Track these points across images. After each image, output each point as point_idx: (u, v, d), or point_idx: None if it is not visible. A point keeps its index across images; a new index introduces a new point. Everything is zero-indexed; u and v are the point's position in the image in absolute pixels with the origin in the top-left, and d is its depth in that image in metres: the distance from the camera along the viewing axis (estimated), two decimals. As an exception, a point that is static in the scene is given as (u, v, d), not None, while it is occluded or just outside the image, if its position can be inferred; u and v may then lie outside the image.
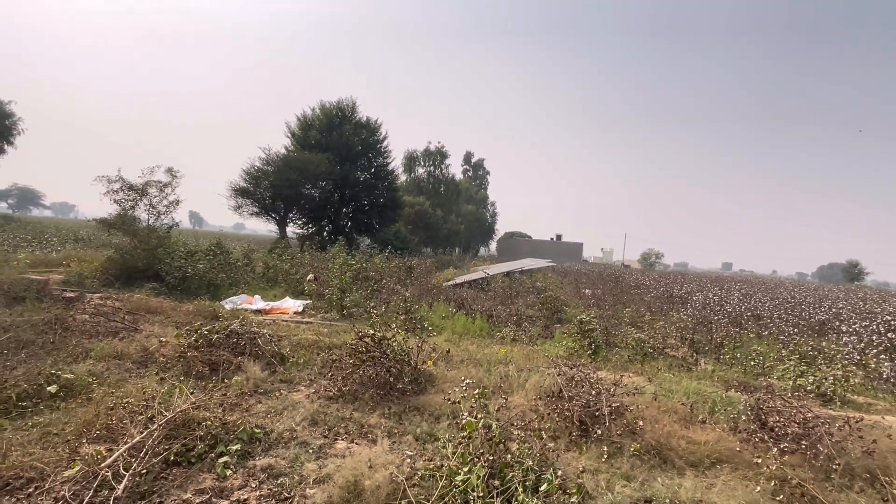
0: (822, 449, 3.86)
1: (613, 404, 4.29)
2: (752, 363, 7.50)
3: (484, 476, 2.91)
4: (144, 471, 3.03)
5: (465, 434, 3.27)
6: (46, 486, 2.85)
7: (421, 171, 53.08)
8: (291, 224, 32.23)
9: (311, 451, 3.60)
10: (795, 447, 3.94)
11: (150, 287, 10.04)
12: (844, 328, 10.48)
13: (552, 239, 71.27)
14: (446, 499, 2.90)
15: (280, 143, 59.68)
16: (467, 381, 4.17)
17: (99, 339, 6.00)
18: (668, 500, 3.20)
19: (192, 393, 4.19)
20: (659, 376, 6.48)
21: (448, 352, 6.54)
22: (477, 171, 66.86)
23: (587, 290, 17.71)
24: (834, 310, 14.00)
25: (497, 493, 2.83)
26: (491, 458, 3.07)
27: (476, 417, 3.35)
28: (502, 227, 71.65)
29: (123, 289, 9.90)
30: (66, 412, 3.85)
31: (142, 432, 3.33)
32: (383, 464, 3.28)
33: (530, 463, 3.05)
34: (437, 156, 53.12)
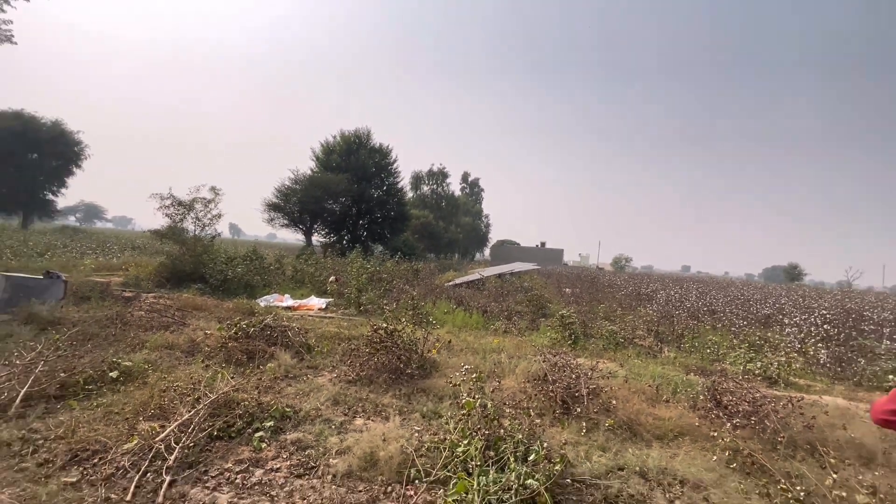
0: (768, 424, 3.85)
1: (591, 386, 4.28)
2: (708, 351, 7.48)
3: (481, 448, 2.90)
4: (192, 444, 3.03)
5: (464, 412, 3.26)
6: (109, 457, 2.85)
7: (426, 188, 53.27)
8: (316, 234, 32.26)
9: (333, 426, 3.59)
10: (746, 422, 3.92)
11: (196, 288, 10.04)
12: (787, 321, 10.44)
13: (537, 246, 71.18)
14: (449, 467, 2.89)
15: (306, 165, 59.85)
16: (466, 366, 4.17)
17: (153, 332, 5.99)
18: (637, 468, 3.18)
19: (232, 378, 4.19)
20: (629, 362, 6.46)
21: (449, 342, 6.53)
22: (473, 188, 66.97)
23: (567, 289, 17.66)
24: (777, 305, 13.95)
25: (492, 462, 2.82)
26: (487, 432, 3.06)
27: (474, 398, 3.34)
28: (495, 236, 71.67)
29: (173, 289, 9.91)
30: (125, 394, 3.84)
31: (189, 411, 3.33)
32: (395, 437, 3.27)
33: (520, 436, 3.03)
34: (439, 176, 53.34)
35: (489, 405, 3.30)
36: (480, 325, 8.67)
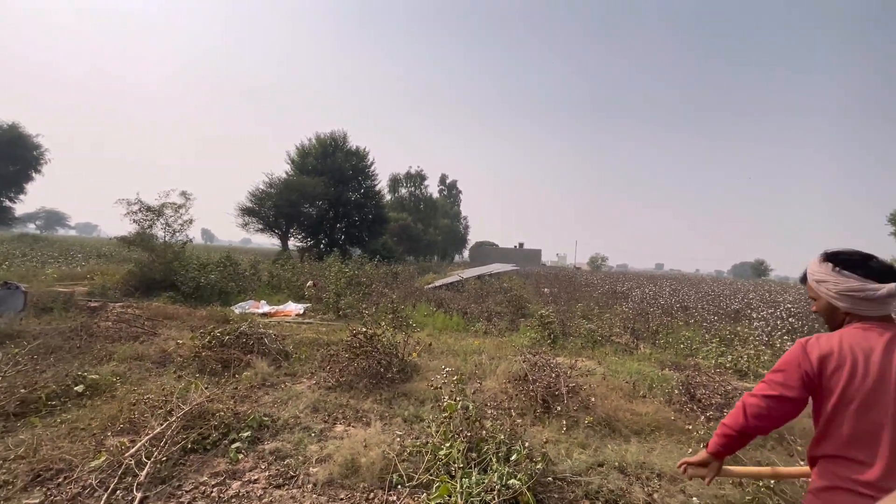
0: (740, 415, 3.98)
1: (570, 385, 4.33)
2: (682, 346, 7.69)
3: (463, 450, 2.90)
4: (164, 458, 2.92)
5: (446, 415, 3.25)
6: (75, 476, 2.72)
7: (404, 191, 53.16)
8: (292, 238, 31.77)
9: (313, 434, 3.52)
10: (719, 415, 4.05)
11: (167, 296, 9.70)
12: (755, 315, 10.86)
13: (516, 246, 71.87)
14: (431, 471, 2.88)
15: (281, 168, 58.77)
16: (447, 369, 4.16)
17: (121, 343, 5.76)
18: (617, 463, 3.24)
19: (206, 388, 4.06)
20: (607, 360, 6.58)
21: (430, 345, 6.51)
22: (451, 190, 67.19)
23: (546, 289, 17.88)
24: (745, 300, 14.49)
25: (475, 464, 2.82)
26: (469, 434, 3.06)
27: (455, 400, 3.33)
28: (473, 237, 72.06)
29: (142, 298, 9.56)
30: (92, 409, 3.68)
31: (161, 424, 3.20)
32: (377, 443, 3.24)
33: (502, 437, 3.04)
34: (416, 178, 53.31)
35: (471, 407, 3.29)
36: (461, 327, 8.68)
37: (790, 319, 9.73)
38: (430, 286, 15.47)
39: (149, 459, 2.82)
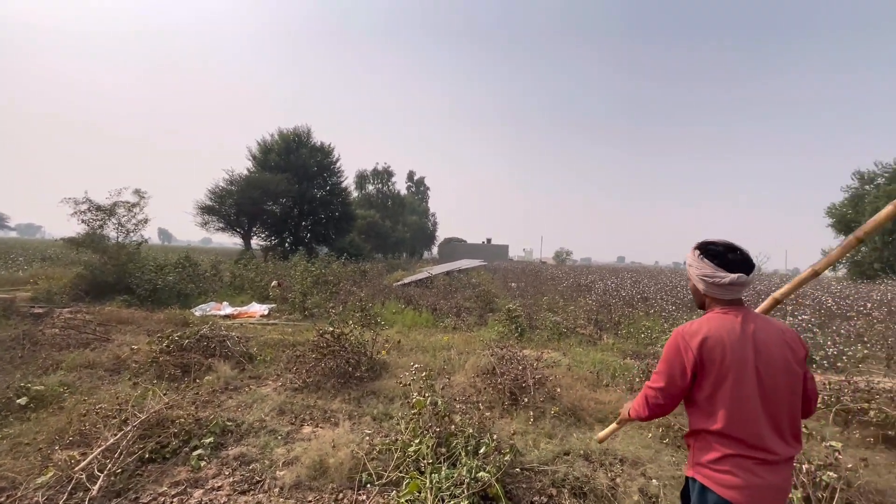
0: (695, 399, 4.18)
1: (537, 376, 4.42)
2: (643, 336, 7.98)
3: (433, 445, 2.91)
4: (119, 470, 2.78)
5: (415, 411, 3.25)
6: (19, 494, 2.54)
7: (371, 188, 52.48)
8: (255, 237, 30.75)
9: (279, 437, 3.44)
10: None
11: (122, 300, 9.18)
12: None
13: (484, 242, 72.52)
14: (401, 468, 2.87)
15: (242, 165, 56.74)
16: (416, 365, 4.15)
17: (70, 351, 5.42)
18: (582, 451, 3.34)
19: (165, 394, 3.88)
20: (572, 351, 6.75)
21: (399, 342, 6.48)
22: (419, 186, 66.90)
23: (513, 284, 18.15)
24: (700, 290, 15.17)
25: (444, 459, 2.84)
26: (438, 429, 3.07)
27: (424, 396, 3.34)
28: (442, 234, 72.03)
29: (94, 302, 9.01)
30: (37, 422, 3.44)
31: (116, 434, 3.03)
32: (345, 443, 3.20)
33: (471, 431, 3.07)
34: (384, 175, 52.75)
35: (439, 402, 3.31)
36: (430, 324, 8.68)
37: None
38: (398, 283, 15.40)
39: (102, 472, 2.67)
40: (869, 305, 9.98)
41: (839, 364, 6.11)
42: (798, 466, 2.70)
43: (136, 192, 11.09)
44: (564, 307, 10.64)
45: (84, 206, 10.26)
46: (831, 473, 2.63)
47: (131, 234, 10.98)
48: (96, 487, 2.54)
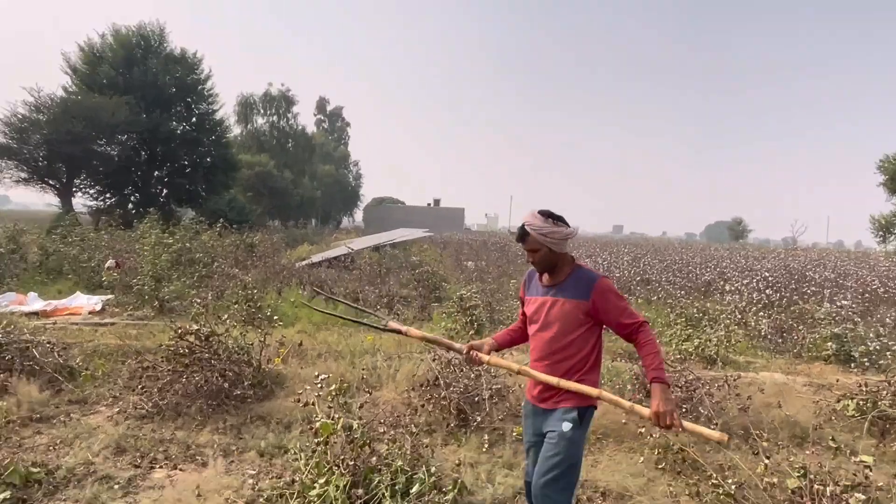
0: (702, 411, 4.54)
1: (494, 387, 4.59)
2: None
3: (345, 486, 2.95)
4: None
5: (320, 440, 3.27)
6: None
7: (261, 121, 50.46)
8: (81, 194, 29.00)
9: (116, 486, 3.37)
10: (678, 412, 4.57)
11: None
12: (728, 287, 12.29)
13: (429, 205, 72.77)
14: (299, 519, 2.90)
15: (55, 81, 52.55)
16: (323, 376, 4.15)
17: None
18: (552, 484, 3.53)
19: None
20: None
21: (300, 345, 6.44)
22: (335, 122, 65.57)
23: (469, 263, 18.48)
24: (719, 269, 16.31)
25: (361, 503, 2.90)
26: (352, 463, 3.11)
27: (334, 419, 3.36)
28: (369, 193, 71.48)
29: None
30: None
31: None
32: (216, 489, 3.20)
33: (400, 463, 3.15)
34: (281, 102, 50.68)
35: (356, 426, 3.34)
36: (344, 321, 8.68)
37: (767, 291, 11.19)
38: (304, 263, 15.26)
39: None
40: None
41: (882, 362, 6.84)
42: (822, 489, 3.04)
43: None
44: (538, 294, 10.99)
45: None
46: (859, 496, 2.97)
47: None
48: None
